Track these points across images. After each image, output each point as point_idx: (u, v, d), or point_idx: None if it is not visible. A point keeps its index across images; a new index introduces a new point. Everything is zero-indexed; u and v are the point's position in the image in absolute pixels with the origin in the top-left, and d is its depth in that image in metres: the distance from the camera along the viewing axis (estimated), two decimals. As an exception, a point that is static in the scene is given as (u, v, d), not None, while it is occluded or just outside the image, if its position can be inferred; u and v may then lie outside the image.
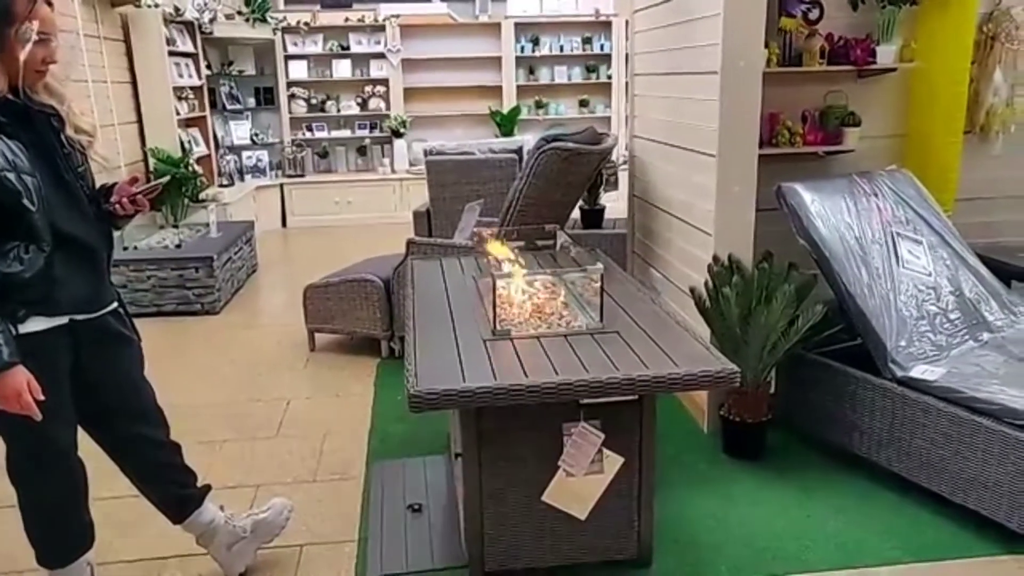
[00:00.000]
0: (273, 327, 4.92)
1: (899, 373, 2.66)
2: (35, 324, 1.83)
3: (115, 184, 2.03)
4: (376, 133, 8.60)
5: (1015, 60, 3.52)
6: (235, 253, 5.69)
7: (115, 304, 2.05)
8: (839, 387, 2.85)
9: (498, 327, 2.26)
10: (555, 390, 1.93)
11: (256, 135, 8.39)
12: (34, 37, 1.74)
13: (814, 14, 3.35)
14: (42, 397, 1.77)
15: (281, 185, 8.27)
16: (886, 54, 3.32)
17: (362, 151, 8.64)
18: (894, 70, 3.40)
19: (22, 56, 1.74)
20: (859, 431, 2.80)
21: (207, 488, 2.34)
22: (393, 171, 8.48)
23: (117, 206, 1.96)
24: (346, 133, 8.63)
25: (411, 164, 8.34)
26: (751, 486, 2.81)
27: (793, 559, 2.39)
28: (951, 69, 3.36)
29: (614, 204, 5.00)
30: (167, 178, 2.01)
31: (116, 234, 2.11)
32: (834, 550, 2.43)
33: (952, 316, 2.90)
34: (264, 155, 8.38)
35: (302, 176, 8.39)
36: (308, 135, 8.53)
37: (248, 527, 2.34)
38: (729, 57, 2.91)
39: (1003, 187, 3.68)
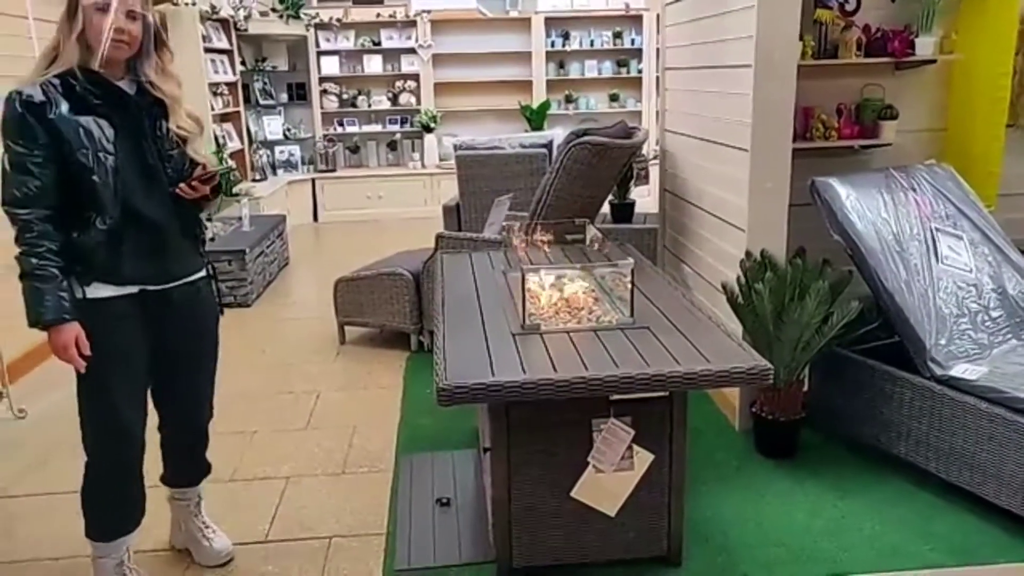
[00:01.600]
0: (304, 320, 4.96)
1: (939, 372, 2.60)
2: (103, 291, 1.97)
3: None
4: (407, 128, 8.63)
5: (1061, 52, 3.42)
6: (267, 247, 5.75)
7: (194, 276, 2.15)
8: (876, 385, 2.79)
9: (527, 322, 2.25)
10: (585, 385, 1.91)
11: (288, 130, 8.47)
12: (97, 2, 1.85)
13: (851, 5, 3.28)
14: (88, 352, 1.91)
15: (313, 180, 8.34)
16: (925, 46, 3.24)
17: (393, 146, 8.68)
18: (934, 62, 3.31)
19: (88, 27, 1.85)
20: (896, 431, 2.74)
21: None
22: (423, 166, 8.51)
23: (178, 191, 2.04)
24: (377, 128, 8.67)
25: (441, 159, 8.35)
26: (784, 485, 2.76)
27: (828, 561, 2.34)
28: (993, 61, 3.26)
29: (644, 199, 4.97)
30: (223, 167, 2.10)
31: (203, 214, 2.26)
32: (871, 552, 2.38)
33: (994, 314, 2.82)
34: (296, 150, 8.46)
35: (333, 171, 8.45)
36: (339, 130, 8.58)
37: (196, 532, 2.42)
38: (763, 50, 2.86)
39: (1048, 182, 3.57)
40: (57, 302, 1.86)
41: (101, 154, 1.89)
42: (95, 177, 1.88)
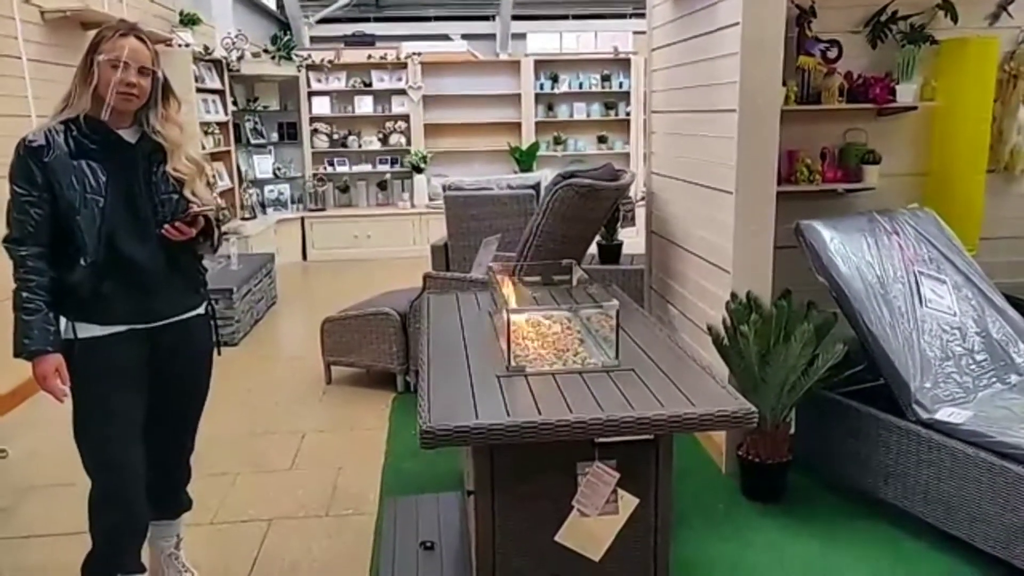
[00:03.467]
0: (290, 360, 4.93)
1: (924, 415, 2.60)
2: (91, 331, 2.03)
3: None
4: (397, 168, 8.70)
5: (1039, 98, 3.49)
6: (255, 285, 5.73)
7: (185, 315, 2.17)
8: (862, 429, 2.78)
9: (512, 363, 2.24)
10: (569, 428, 1.90)
11: (278, 169, 8.51)
12: (106, 58, 1.96)
13: (832, 53, 3.36)
14: (68, 384, 1.97)
15: (302, 218, 8.36)
16: (906, 92, 3.31)
17: (383, 185, 8.73)
18: (915, 108, 3.38)
19: (95, 80, 1.97)
20: (883, 475, 2.73)
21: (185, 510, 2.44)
22: (413, 205, 8.55)
23: (163, 232, 2.05)
24: (367, 168, 8.73)
25: (430, 199, 8.41)
26: (771, 531, 2.74)
27: (815, 607, 2.32)
28: (973, 107, 3.33)
29: (632, 240, 5.00)
30: (206, 209, 2.11)
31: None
32: (857, 598, 2.35)
33: (978, 357, 2.84)
34: (286, 189, 8.50)
35: (323, 210, 8.49)
36: (330, 169, 8.63)
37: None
38: (747, 95, 2.91)
39: (1029, 226, 3.63)
40: (42, 334, 1.94)
41: (90, 195, 1.97)
42: (79, 217, 1.96)
